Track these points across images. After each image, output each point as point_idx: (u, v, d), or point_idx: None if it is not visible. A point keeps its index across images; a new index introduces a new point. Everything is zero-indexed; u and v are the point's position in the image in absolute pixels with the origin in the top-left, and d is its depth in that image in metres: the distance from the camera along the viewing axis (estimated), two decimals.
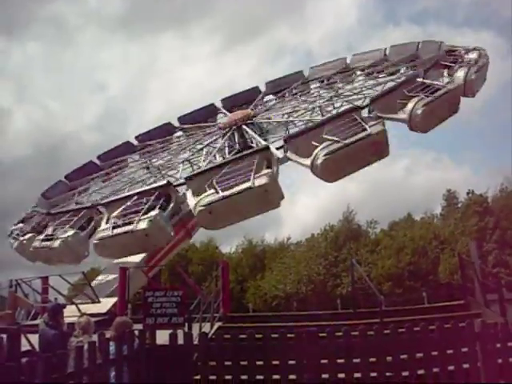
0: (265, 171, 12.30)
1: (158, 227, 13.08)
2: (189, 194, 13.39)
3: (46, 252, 13.96)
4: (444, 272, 37.43)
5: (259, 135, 17.46)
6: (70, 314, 9.56)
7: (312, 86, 20.67)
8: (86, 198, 18.55)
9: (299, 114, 17.98)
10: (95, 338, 6.45)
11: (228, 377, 6.85)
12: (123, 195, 15.10)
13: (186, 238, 17.30)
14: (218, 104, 21.83)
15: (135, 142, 21.56)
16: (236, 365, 6.88)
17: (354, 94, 17.31)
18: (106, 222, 13.72)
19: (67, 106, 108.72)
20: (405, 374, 6.72)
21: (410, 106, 13.31)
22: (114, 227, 13.36)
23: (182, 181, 14.48)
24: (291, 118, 17.85)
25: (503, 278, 12.75)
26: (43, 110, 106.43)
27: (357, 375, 6.74)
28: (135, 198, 14.13)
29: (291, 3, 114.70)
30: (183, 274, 17.65)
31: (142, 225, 12.88)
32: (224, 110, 21.18)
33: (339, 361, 6.80)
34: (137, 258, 15.40)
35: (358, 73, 19.45)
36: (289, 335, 7.08)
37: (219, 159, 16.45)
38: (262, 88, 21.60)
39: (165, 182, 14.95)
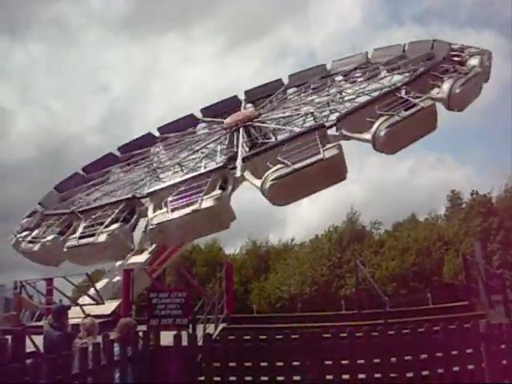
0: (215, 192, 12.47)
1: (116, 241, 13.48)
2: (150, 208, 13.66)
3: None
4: (448, 273, 37.37)
5: (263, 135, 17.45)
6: (75, 315, 9.58)
7: (329, 82, 20.26)
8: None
9: (295, 118, 17.92)
10: (99, 339, 6.47)
11: (232, 378, 6.86)
12: (95, 205, 15.70)
13: None
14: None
15: (157, 134, 21.58)
16: (240, 366, 6.88)
17: (356, 96, 17.18)
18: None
19: (70, 108, 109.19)
20: (409, 375, 6.70)
21: (374, 126, 12.92)
22: (80, 237, 13.97)
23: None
24: (281, 126, 17.65)
25: (508, 279, 12.65)
26: (46, 112, 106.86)
27: (361, 376, 6.73)
28: (104, 208, 14.49)
29: (294, 4, 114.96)
30: (187, 276, 17.67)
31: (102, 238, 13.46)
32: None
33: (343, 362, 6.79)
34: (141, 259, 15.43)
35: (381, 67, 19.09)
36: (293, 336, 7.08)
37: (216, 160, 16.56)
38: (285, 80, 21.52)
39: (130, 195, 15.31)
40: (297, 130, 15.87)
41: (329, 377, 6.72)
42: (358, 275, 16.05)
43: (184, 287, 13.18)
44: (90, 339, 6.92)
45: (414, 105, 13.06)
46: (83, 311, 11.91)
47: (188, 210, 12.25)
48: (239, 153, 15.52)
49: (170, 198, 12.86)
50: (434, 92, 14.25)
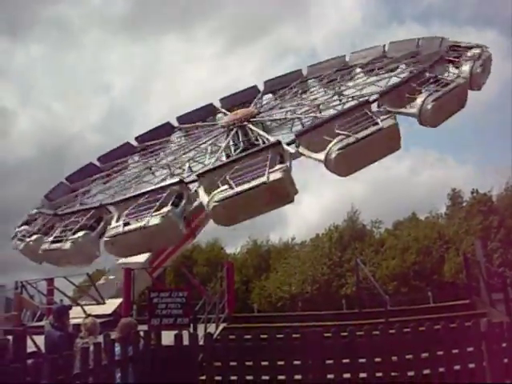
0: (278, 166, 12.26)
1: (170, 223, 12.94)
2: (201, 190, 13.38)
3: (57, 253, 13.99)
4: (449, 271, 37.38)
5: (255, 136, 17.41)
6: (76, 315, 9.59)
7: (311, 85, 20.52)
8: (91, 199, 18.54)
9: (303, 111, 17.92)
10: (101, 339, 6.48)
11: (233, 377, 6.86)
12: (133, 194, 14.86)
13: (189, 237, 17.28)
14: (217, 104, 21.77)
15: (135, 143, 21.52)
16: (241, 365, 6.88)
17: (358, 90, 17.22)
18: (117, 221, 13.72)
19: (71, 107, 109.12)
20: (410, 373, 6.70)
21: (419, 100, 13.07)
22: (125, 224, 13.22)
23: (194, 178, 14.46)
24: (295, 116, 17.77)
25: (509, 278, 12.65)
26: (47, 112, 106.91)
27: (362, 375, 6.73)
28: (146, 196, 14.14)
29: (295, 3, 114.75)
30: (188, 275, 17.68)
31: (155, 220, 12.67)
32: (223, 110, 21.17)
33: (344, 361, 6.79)
34: (141, 259, 15.42)
35: (358, 70, 19.24)
36: (294, 335, 7.08)
37: (225, 157, 16.42)
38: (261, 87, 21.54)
39: (177, 179, 14.70)
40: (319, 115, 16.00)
41: (330, 376, 6.72)
42: (358, 274, 16.05)
43: (185, 287, 13.16)
44: (91, 339, 6.92)
45: (448, 83, 13.30)
46: (84, 311, 11.93)
47: (254, 183, 11.75)
48: (267, 138, 15.60)
49: (228, 176, 12.44)
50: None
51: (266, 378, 6.78)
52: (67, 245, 14.42)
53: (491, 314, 10.51)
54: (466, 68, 14.49)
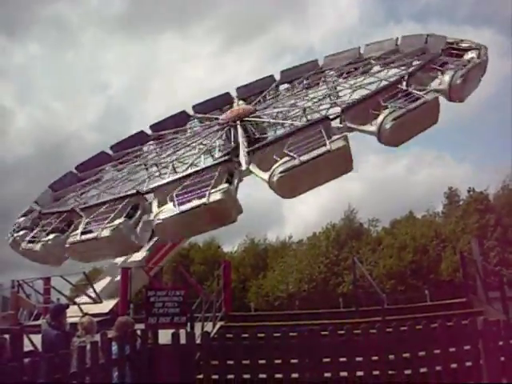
0: (222, 186, 12.38)
1: (120, 236, 13.32)
2: (154, 203, 13.61)
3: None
4: (446, 270, 37.47)
5: (258, 131, 17.37)
6: (73, 314, 9.57)
7: (322, 78, 20.19)
8: (84, 196, 18.63)
9: (292, 114, 17.86)
10: (97, 338, 6.47)
11: (230, 376, 6.86)
12: (98, 201, 15.55)
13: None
14: (233, 93, 21.64)
15: (149, 132, 21.45)
16: (238, 364, 6.88)
17: (353, 90, 17.14)
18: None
19: (69, 106, 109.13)
20: (407, 372, 6.71)
21: (380, 118, 12.83)
22: (82, 233, 13.88)
23: (149, 189, 14.69)
24: (278, 121, 17.58)
25: (505, 276, 12.67)
26: (45, 110, 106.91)
27: (359, 374, 6.73)
28: (107, 205, 14.51)
29: (292, 2, 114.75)
30: (185, 274, 17.67)
31: (106, 233, 13.27)
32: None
33: (341, 359, 6.79)
34: (138, 257, 15.43)
35: (373, 62, 18.87)
36: (291, 334, 7.08)
37: (217, 155, 16.52)
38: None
39: (134, 191, 15.16)
40: (297, 123, 15.83)
41: (327, 374, 6.72)
42: (355, 272, 16.03)
43: (182, 285, 13.15)
44: (88, 338, 6.92)
45: (418, 98, 12.98)
46: (81, 310, 11.90)
47: (195, 203, 12.12)
48: (241, 147, 15.34)
49: (175, 193, 12.76)
50: (435, 84, 14.26)
51: (263, 376, 6.77)
52: (38, 246, 15.05)
53: (488, 313, 10.50)
54: (446, 78, 14.18)
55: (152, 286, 12.69)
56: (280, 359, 6.83)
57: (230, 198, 12.30)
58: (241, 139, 16.17)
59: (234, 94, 21.56)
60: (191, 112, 21.54)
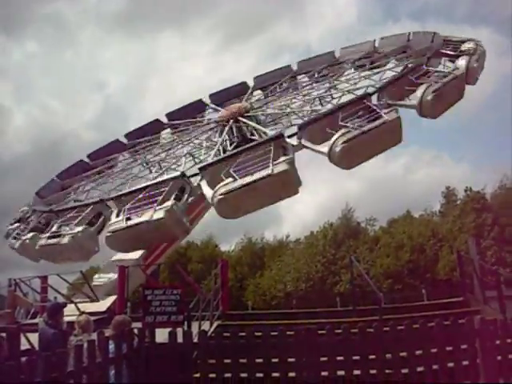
0: (283, 158, 12.19)
1: (174, 217, 12.95)
2: (203, 184, 13.28)
3: (54, 249, 13.94)
4: (443, 269, 37.47)
5: (249, 131, 17.34)
6: (70, 312, 9.55)
7: (301, 80, 20.39)
8: (85, 196, 18.47)
9: (298, 106, 17.83)
10: (95, 336, 6.46)
11: (228, 374, 6.86)
12: (134, 188, 14.80)
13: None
14: (206, 100, 21.66)
15: (124, 140, 21.39)
16: (235, 362, 6.88)
17: (352, 84, 17.16)
18: (117, 216, 13.63)
19: (66, 104, 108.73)
20: (404, 371, 6.72)
21: (419, 92, 13.25)
22: (127, 219, 13.16)
23: (196, 171, 14.40)
24: (289, 110, 17.64)
25: (502, 275, 12.69)
26: (43, 108, 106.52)
27: (356, 372, 6.74)
28: (146, 190, 14.02)
29: (290, 1, 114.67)
30: (182, 272, 17.64)
31: (159, 214, 12.65)
32: (213, 106, 21.11)
33: (338, 358, 6.80)
34: (135, 256, 15.37)
35: (349, 65, 19.06)
36: (288, 333, 7.08)
37: (222, 152, 16.35)
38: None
39: (178, 173, 14.66)
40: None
41: (324, 373, 6.73)
42: (353, 272, 16.06)
43: (179, 284, 13.13)
44: (85, 336, 6.91)
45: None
46: (78, 308, 11.88)
47: (259, 175, 11.84)
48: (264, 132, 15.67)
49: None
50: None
51: (260, 375, 6.79)
52: (65, 239, 14.35)
53: (485, 312, 10.53)
54: (462, 62, 14.52)
55: (149, 285, 12.68)
56: (277, 358, 6.84)
57: (294, 168, 12.15)
58: (259, 126, 16.45)
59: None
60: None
